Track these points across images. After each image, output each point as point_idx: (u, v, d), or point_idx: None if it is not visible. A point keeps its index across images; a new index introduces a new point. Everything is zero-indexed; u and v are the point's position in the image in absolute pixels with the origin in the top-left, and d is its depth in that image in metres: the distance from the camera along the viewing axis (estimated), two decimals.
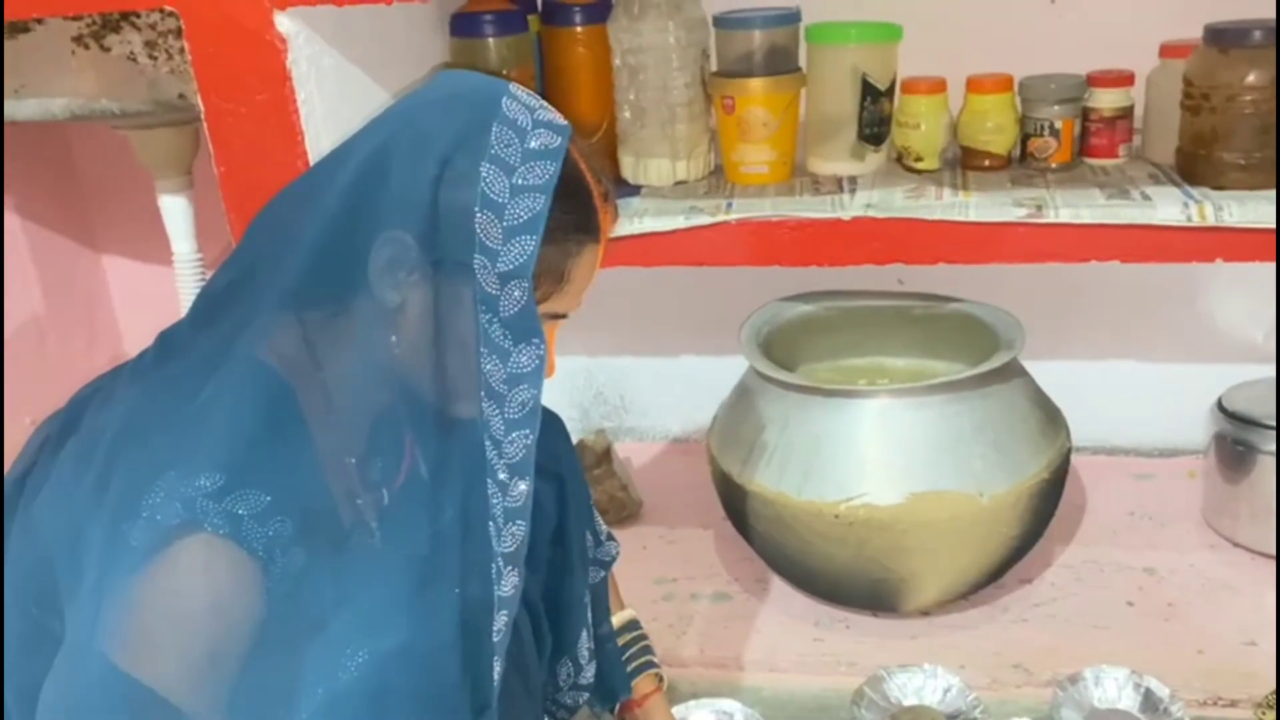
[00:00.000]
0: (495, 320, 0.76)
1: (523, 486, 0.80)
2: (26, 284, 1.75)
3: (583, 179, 0.82)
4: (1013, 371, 1.33)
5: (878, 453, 1.25)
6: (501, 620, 0.82)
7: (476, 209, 0.75)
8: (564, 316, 0.85)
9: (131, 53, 1.26)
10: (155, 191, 1.51)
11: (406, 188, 0.76)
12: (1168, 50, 1.32)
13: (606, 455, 1.69)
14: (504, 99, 0.78)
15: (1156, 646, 1.29)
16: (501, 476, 0.79)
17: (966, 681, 1.23)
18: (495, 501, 0.79)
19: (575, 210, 0.81)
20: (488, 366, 0.76)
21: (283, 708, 0.74)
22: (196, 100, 1.17)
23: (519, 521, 0.80)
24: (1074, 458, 1.37)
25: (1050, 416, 1.35)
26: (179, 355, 0.82)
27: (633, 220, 1.27)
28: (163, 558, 0.71)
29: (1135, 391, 1.68)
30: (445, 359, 0.77)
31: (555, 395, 1.84)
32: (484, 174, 0.75)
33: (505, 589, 0.81)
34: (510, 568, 0.81)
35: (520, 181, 0.76)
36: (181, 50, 1.24)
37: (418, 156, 0.76)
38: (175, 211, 1.51)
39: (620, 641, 1.12)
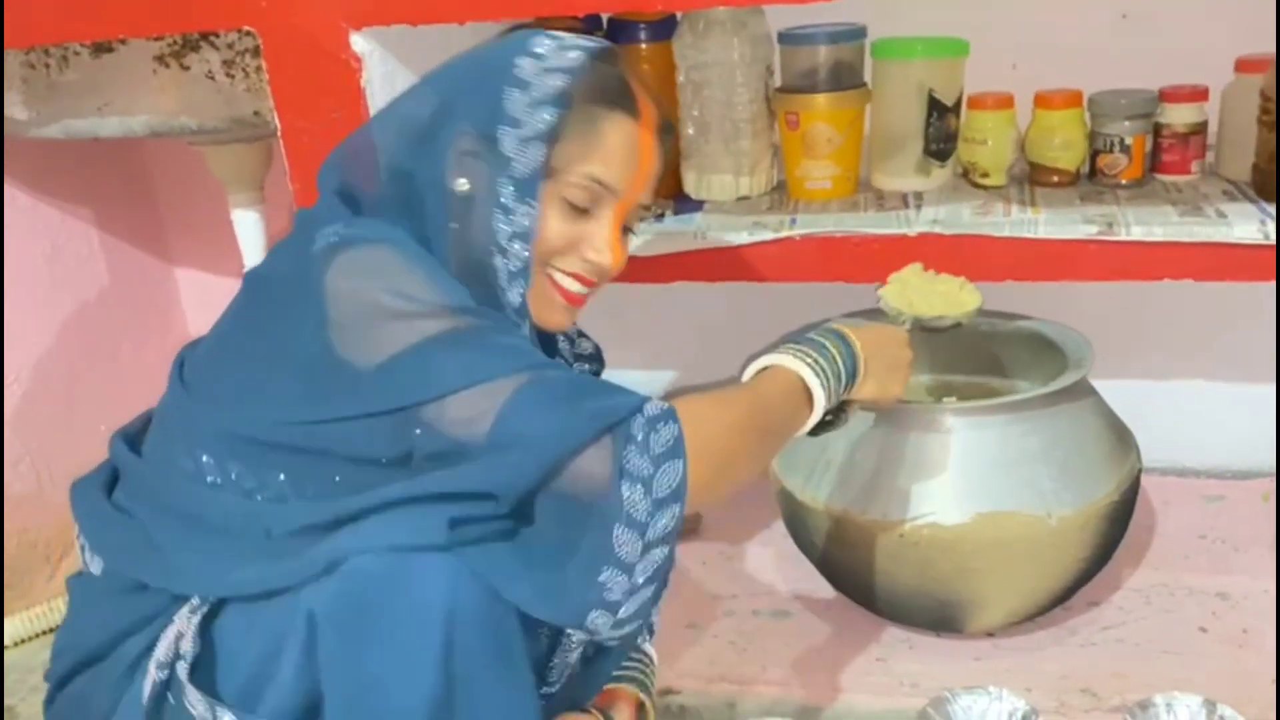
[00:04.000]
0: (509, 181, 0.87)
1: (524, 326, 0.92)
2: (103, 296, 1.80)
3: (623, 71, 0.93)
4: (1082, 391, 1.31)
5: (944, 472, 1.24)
6: None
7: (505, 87, 0.87)
8: (614, 192, 0.92)
9: (210, 71, 1.30)
10: (228, 205, 1.55)
11: (460, 85, 0.90)
12: (1244, 65, 1.30)
13: None
14: (550, 29, 0.92)
15: (1231, 674, 1.26)
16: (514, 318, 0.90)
17: (1033, 705, 1.21)
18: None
19: (610, 82, 0.91)
20: (498, 223, 0.88)
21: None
22: (271, 117, 1.20)
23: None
24: (1143, 478, 1.34)
25: (1120, 437, 1.32)
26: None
27: (696, 235, 1.27)
28: (366, 244, 0.86)
29: (1207, 412, 1.65)
30: (480, 225, 0.88)
31: None
32: (518, 63, 0.88)
33: None
34: None
35: (550, 65, 0.88)
36: (258, 69, 1.27)
37: (470, 64, 0.92)
38: (247, 225, 1.54)
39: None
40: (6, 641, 1.51)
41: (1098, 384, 1.36)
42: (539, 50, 0.89)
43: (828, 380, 0.96)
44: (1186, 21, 1.43)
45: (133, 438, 0.98)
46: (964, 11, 1.37)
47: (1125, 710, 1.19)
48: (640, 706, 1.07)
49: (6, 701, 1.40)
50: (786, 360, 0.95)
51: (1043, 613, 1.34)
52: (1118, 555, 1.35)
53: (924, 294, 1.17)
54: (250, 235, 1.55)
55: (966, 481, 1.24)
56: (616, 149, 0.91)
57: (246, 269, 1.54)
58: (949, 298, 1.17)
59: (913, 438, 1.26)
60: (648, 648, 1.11)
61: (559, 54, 0.89)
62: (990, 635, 1.35)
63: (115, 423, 1.03)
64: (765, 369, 0.96)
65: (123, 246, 1.84)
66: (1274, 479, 1.61)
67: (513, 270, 0.89)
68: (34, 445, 1.64)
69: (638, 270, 1.28)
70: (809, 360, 0.95)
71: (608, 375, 1.01)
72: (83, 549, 0.95)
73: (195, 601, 0.85)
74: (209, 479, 0.88)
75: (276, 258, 0.95)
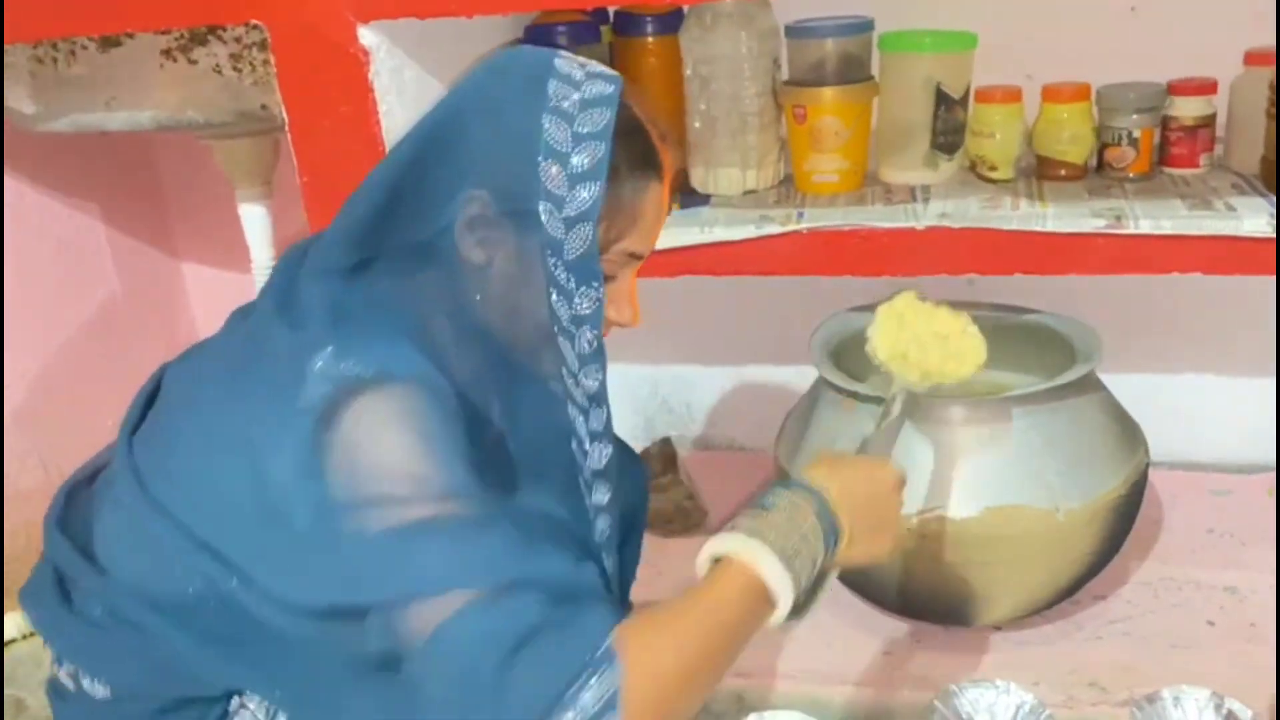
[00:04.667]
0: (560, 263, 0.81)
1: (603, 412, 0.87)
2: (110, 290, 1.80)
3: (639, 121, 0.86)
4: (1090, 385, 1.31)
5: (952, 466, 1.24)
6: (602, 522, 0.92)
7: (540, 158, 0.80)
8: (641, 258, 0.89)
9: (217, 65, 1.30)
10: (235, 200, 1.55)
11: (473, 147, 0.82)
12: (1253, 58, 1.30)
13: (672, 464, 1.69)
14: (555, 60, 0.84)
15: (1239, 668, 1.26)
16: (581, 403, 0.86)
17: (1040, 699, 1.21)
18: (579, 424, 0.87)
19: (637, 148, 0.85)
20: (557, 306, 0.82)
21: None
22: (278, 111, 1.20)
23: (603, 441, 0.89)
24: (1150, 472, 1.34)
25: (1128, 431, 1.32)
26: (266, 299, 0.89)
27: (703, 229, 1.27)
28: (363, 395, 0.77)
29: (1215, 406, 1.65)
30: (521, 304, 0.83)
31: (620, 403, 1.84)
32: (545, 125, 0.80)
33: (600, 497, 0.91)
34: (601, 481, 0.90)
35: (580, 129, 0.81)
36: (265, 62, 1.27)
37: (480, 118, 0.82)
38: (254, 220, 1.55)
39: None
40: (16, 634, 1.52)
41: (1105, 378, 1.36)
42: (563, 105, 0.81)
43: (795, 569, 0.82)
44: (1195, 14, 1.43)
45: (66, 521, 0.93)
46: (971, 4, 1.37)
47: (1133, 704, 1.19)
48: None
49: (16, 694, 1.41)
50: (748, 553, 0.81)
51: (1050, 606, 1.34)
52: (1125, 549, 1.35)
53: (920, 338, 1.06)
54: (257, 229, 1.55)
55: (974, 475, 1.23)
56: (649, 218, 0.87)
57: (254, 261, 1.57)
58: (950, 343, 1.05)
59: (921, 431, 1.26)
60: None
61: (587, 115, 0.81)
62: (998, 629, 1.35)
63: (122, 417, 1.03)
64: (723, 559, 0.82)
65: (129, 240, 1.84)
66: (1274, 474, 1.61)
67: (586, 352, 0.84)
68: (41, 440, 1.65)
69: (644, 265, 1.28)
70: (775, 545, 0.82)
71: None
72: (73, 675, 0.90)
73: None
74: (183, 593, 0.84)
75: (253, 365, 0.84)
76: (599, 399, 0.86)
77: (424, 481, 0.76)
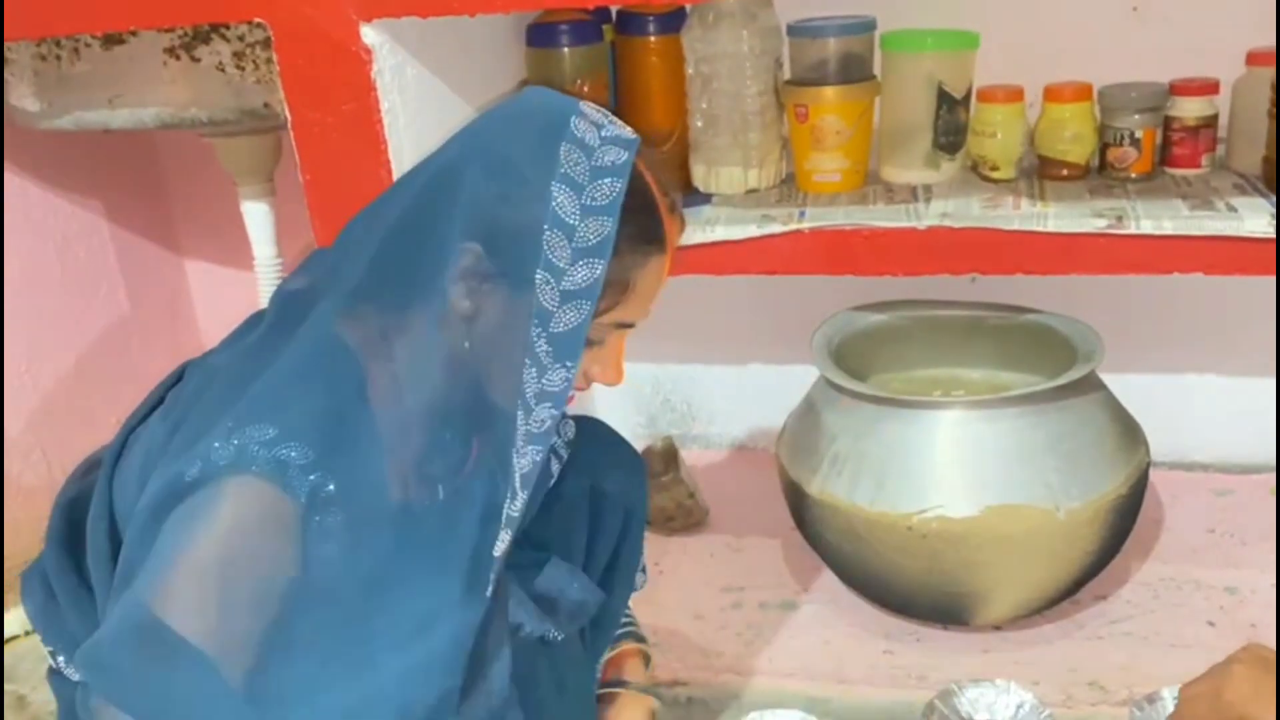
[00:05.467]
0: (544, 335, 0.78)
1: (522, 498, 0.82)
2: (113, 288, 1.81)
3: (649, 191, 0.84)
4: (1091, 385, 1.31)
5: (952, 465, 1.24)
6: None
7: (546, 227, 0.77)
8: (631, 326, 0.87)
9: (220, 63, 1.30)
10: (238, 197, 1.55)
11: (477, 201, 0.79)
12: (1255, 58, 1.30)
13: (674, 462, 1.69)
14: (573, 117, 0.80)
15: None
16: (515, 484, 0.82)
17: (1040, 698, 1.21)
18: (505, 505, 0.82)
19: (642, 222, 0.82)
20: (526, 378, 0.79)
21: (307, 685, 0.75)
22: (281, 109, 1.21)
23: (509, 531, 0.83)
24: (1151, 472, 1.34)
25: (1129, 431, 1.32)
26: (260, 330, 0.88)
27: (705, 229, 1.27)
28: (207, 496, 0.74)
29: (1216, 406, 1.65)
30: (501, 366, 0.80)
31: (622, 401, 1.87)
32: (554, 193, 0.77)
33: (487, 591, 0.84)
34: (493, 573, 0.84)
35: (589, 201, 0.78)
36: (268, 60, 1.27)
37: (488, 172, 0.79)
38: (257, 217, 1.55)
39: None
40: (18, 630, 1.52)
41: (1107, 378, 1.36)
42: (573, 172, 0.78)
43: None
44: (1197, 14, 1.43)
45: (77, 499, 0.93)
46: (974, 4, 1.37)
47: (1132, 703, 1.19)
48: (644, 656, 1.10)
49: (18, 690, 1.41)
50: None
51: (1050, 606, 1.34)
52: (1126, 549, 1.35)
53: None
54: (260, 227, 1.56)
55: (975, 474, 1.24)
56: (648, 291, 0.85)
57: (256, 259, 1.57)
58: None
59: (921, 431, 1.26)
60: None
61: (598, 185, 0.78)
62: (998, 628, 1.35)
63: (125, 413, 1.03)
64: None
65: (133, 238, 1.85)
66: (1275, 474, 1.61)
67: (534, 431, 0.80)
68: (45, 436, 1.65)
69: None
70: None
71: None
72: (53, 654, 0.93)
73: None
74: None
75: (198, 416, 0.82)
76: (526, 483, 0.81)
77: (203, 609, 0.73)
